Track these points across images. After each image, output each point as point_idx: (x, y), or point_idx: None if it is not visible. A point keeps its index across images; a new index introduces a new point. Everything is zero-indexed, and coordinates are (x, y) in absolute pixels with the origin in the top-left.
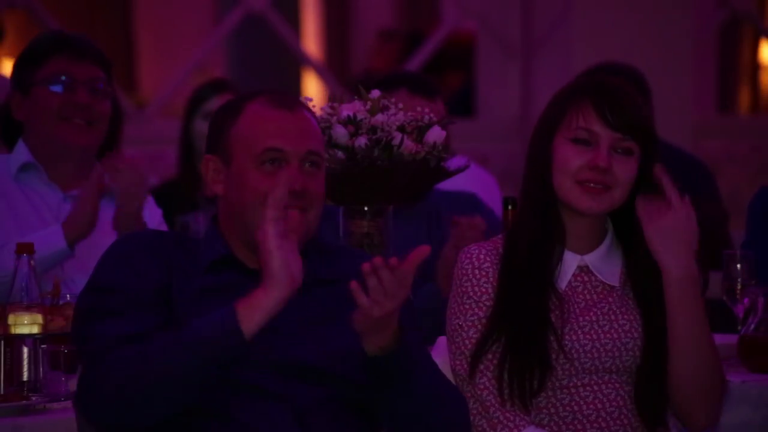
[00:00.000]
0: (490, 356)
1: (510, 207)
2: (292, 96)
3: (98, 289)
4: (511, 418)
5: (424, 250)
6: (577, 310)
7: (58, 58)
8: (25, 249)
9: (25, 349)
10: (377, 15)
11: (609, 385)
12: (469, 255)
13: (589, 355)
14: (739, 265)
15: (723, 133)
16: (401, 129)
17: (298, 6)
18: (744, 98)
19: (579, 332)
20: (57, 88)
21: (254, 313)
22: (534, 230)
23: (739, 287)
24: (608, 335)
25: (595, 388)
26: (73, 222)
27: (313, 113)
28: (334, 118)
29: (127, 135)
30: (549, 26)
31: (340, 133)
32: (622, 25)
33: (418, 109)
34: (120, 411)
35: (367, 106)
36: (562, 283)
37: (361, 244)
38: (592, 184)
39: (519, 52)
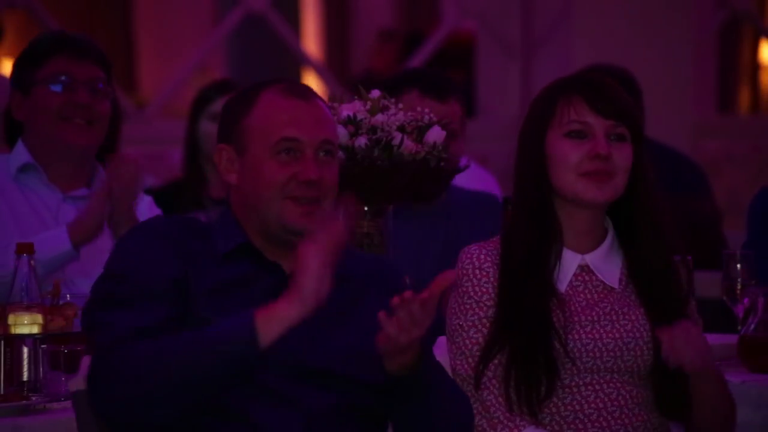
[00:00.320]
0: (494, 363)
1: (510, 207)
2: (305, 85)
3: (113, 277)
4: (511, 417)
5: (449, 276)
6: (579, 310)
7: (58, 58)
8: (25, 249)
9: (25, 349)
10: (377, 15)
11: (611, 384)
12: (469, 255)
13: (591, 354)
14: (739, 265)
15: (723, 133)
16: (401, 129)
17: (298, 6)
18: (744, 98)
19: (581, 332)
20: (57, 88)
21: (273, 324)
22: (530, 230)
23: (739, 287)
24: (610, 335)
25: (597, 387)
26: (81, 225)
27: (325, 102)
28: (334, 118)
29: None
30: (549, 26)
31: (340, 133)
32: (622, 25)
33: (427, 110)
34: (130, 407)
35: (367, 106)
36: (563, 284)
37: (361, 244)
38: (595, 174)
39: (519, 52)
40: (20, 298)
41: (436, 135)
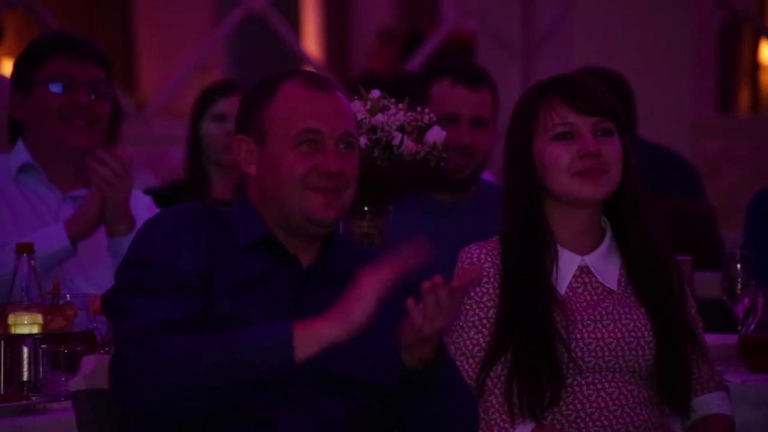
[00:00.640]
0: (497, 367)
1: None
2: (325, 76)
3: (140, 263)
4: (512, 423)
5: (474, 269)
6: (580, 310)
7: (58, 58)
8: (25, 249)
9: (25, 349)
10: (377, 15)
11: (612, 383)
12: (469, 255)
13: (593, 354)
14: (739, 265)
15: (723, 133)
16: (401, 129)
17: (298, 6)
18: (744, 98)
19: (583, 331)
20: (57, 89)
21: (312, 343)
22: (524, 235)
23: (739, 287)
24: (612, 335)
25: (599, 386)
26: (77, 220)
27: (345, 93)
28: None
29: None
30: (549, 26)
31: None
32: (622, 25)
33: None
34: (157, 400)
35: (367, 106)
36: (563, 286)
37: (361, 244)
38: (588, 172)
39: (519, 52)
40: (20, 298)
41: (436, 135)
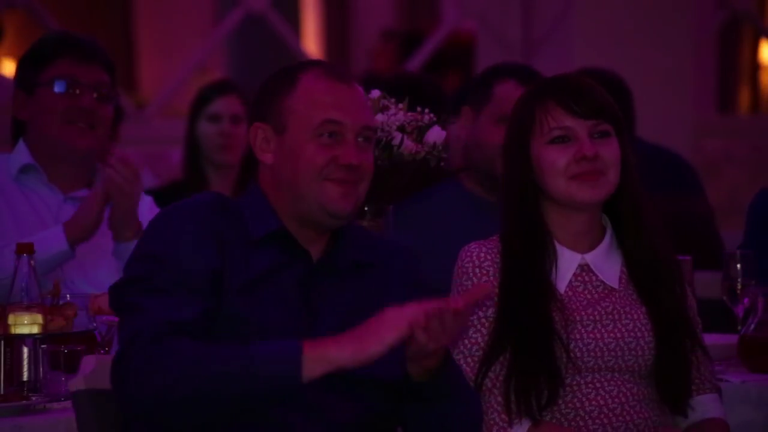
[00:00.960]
0: (495, 367)
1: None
2: (344, 68)
3: (150, 258)
4: (509, 422)
5: (484, 287)
6: (580, 309)
7: (63, 59)
8: (25, 249)
9: (25, 349)
10: (377, 15)
11: (612, 382)
12: (469, 253)
13: (592, 354)
14: (739, 265)
15: (723, 133)
16: (401, 129)
17: (298, 6)
18: (744, 98)
19: (582, 331)
20: (61, 91)
21: (321, 364)
22: (522, 236)
23: (739, 287)
24: (612, 334)
25: (598, 385)
26: (76, 223)
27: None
28: None
29: (127, 135)
30: (549, 26)
31: None
32: (622, 25)
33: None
34: (161, 403)
35: None
36: (562, 284)
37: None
38: (585, 175)
39: (519, 52)
40: (20, 298)
41: (436, 135)
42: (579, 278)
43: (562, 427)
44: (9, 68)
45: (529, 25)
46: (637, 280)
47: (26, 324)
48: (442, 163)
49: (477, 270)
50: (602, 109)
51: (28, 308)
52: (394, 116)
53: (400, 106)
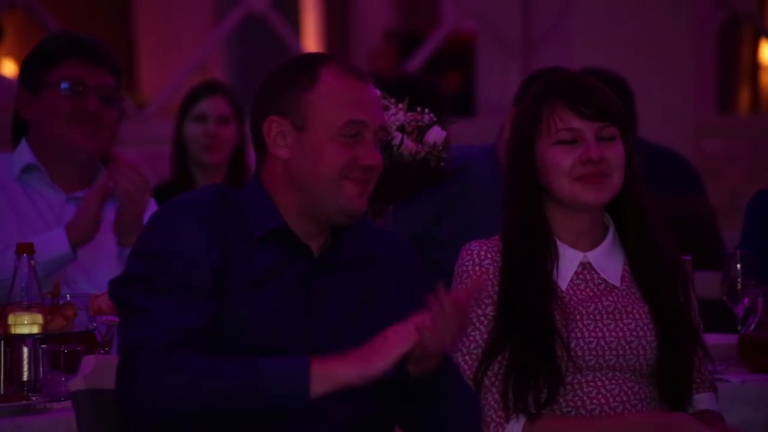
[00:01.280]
0: (495, 365)
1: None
2: (355, 64)
3: (152, 257)
4: (503, 415)
5: (481, 281)
6: (581, 307)
7: (70, 61)
8: (25, 249)
9: (25, 349)
10: (377, 15)
11: (613, 381)
12: (470, 251)
13: (593, 353)
14: (739, 265)
15: (723, 133)
16: (401, 129)
17: (298, 6)
18: (744, 98)
19: (583, 330)
20: (67, 92)
21: (328, 382)
22: (524, 235)
23: (739, 287)
24: (613, 334)
25: (599, 384)
26: (76, 226)
27: None
28: None
29: (127, 135)
30: (549, 26)
31: None
32: (622, 25)
33: None
34: (164, 417)
35: None
36: (564, 282)
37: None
38: (589, 177)
39: (519, 52)
40: (20, 298)
41: (436, 135)
42: (581, 276)
43: (558, 418)
44: (9, 68)
45: (529, 25)
46: (640, 279)
47: (26, 324)
48: (442, 163)
49: (477, 268)
50: (609, 111)
51: (28, 308)
52: (394, 116)
53: (400, 106)
